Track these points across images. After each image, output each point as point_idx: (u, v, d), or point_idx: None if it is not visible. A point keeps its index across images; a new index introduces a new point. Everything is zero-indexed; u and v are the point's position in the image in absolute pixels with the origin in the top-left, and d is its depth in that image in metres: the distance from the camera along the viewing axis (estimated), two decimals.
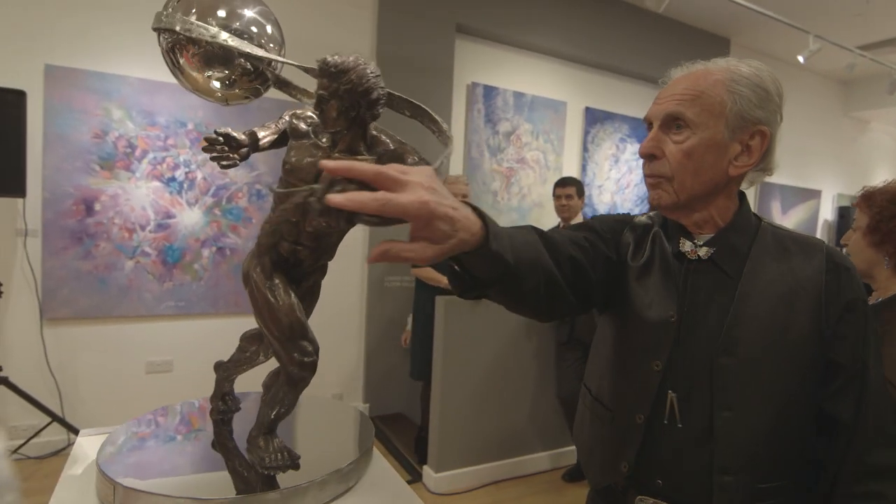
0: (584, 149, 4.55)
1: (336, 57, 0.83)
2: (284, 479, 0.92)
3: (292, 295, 0.94)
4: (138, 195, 2.92)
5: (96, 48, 2.80)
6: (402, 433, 3.37)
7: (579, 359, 2.86)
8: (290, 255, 0.95)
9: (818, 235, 6.23)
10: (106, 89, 2.80)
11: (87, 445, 1.09)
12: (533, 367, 2.97)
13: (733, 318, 0.82)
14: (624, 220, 0.97)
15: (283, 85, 1.05)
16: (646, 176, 0.87)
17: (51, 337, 2.78)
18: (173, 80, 1.03)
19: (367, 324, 3.59)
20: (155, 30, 0.98)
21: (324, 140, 0.91)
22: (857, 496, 0.80)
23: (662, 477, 0.84)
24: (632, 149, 4.79)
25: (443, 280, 2.83)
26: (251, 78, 1.02)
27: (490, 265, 0.63)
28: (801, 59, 4.20)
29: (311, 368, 0.93)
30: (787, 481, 0.82)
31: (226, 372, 1.16)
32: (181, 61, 0.98)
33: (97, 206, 2.82)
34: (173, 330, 3.07)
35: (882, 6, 4.34)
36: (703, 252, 0.86)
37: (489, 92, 4.01)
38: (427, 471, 2.79)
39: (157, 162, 2.95)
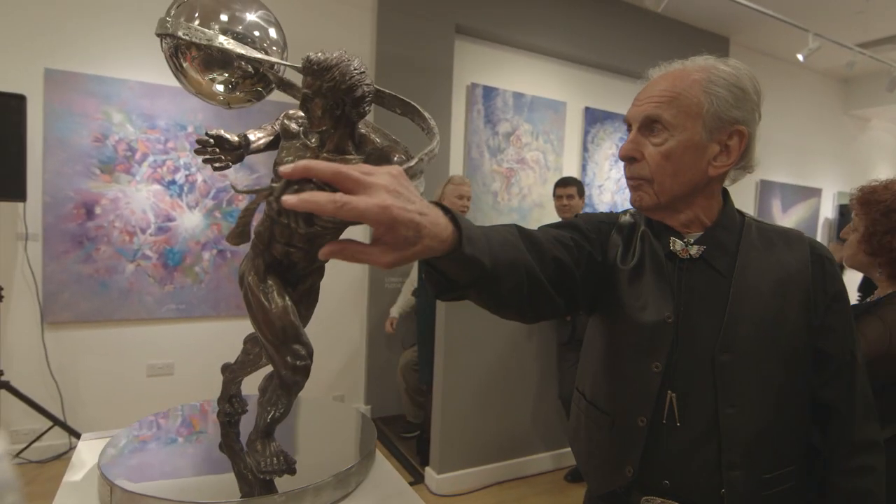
0: (584, 149, 4.55)
1: (319, 54, 0.81)
2: (285, 482, 0.91)
3: (286, 298, 0.93)
4: (139, 198, 2.92)
5: (96, 52, 2.80)
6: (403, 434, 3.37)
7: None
8: (284, 258, 0.93)
9: (819, 233, 6.25)
10: (106, 93, 2.80)
11: (89, 449, 1.09)
12: (534, 368, 2.97)
13: (730, 314, 0.82)
14: (610, 221, 0.95)
15: (287, 87, 1.05)
16: (627, 178, 0.88)
17: (52, 341, 2.78)
18: (173, 83, 1.04)
19: (368, 325, 3.59)
20: (158, 35, 0.98)
21: (312, 140, 0.89)
22: (850, 471, 0.85)
23: (669, 477, 0.84)
24: None
25: None
26: (253, 81, 1.02)
27: (465, 269, 0.61)
28: (800, 57, 4.20)
29: (304, 372, 0.91)
30: (790, 468, 0.84)
31: (232, 374, 1.16)
32: (184, 65, 0.98)
33: (97, 210, 2.82)
34: (174, 333, 3.07)
35: (882, 4, 4.34)
36: (693, 251, 0.87)
37: (489, 92, 4.01)
38: (429, 472, 2.79)
39: (158, 165, 2.95)
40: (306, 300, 1.02)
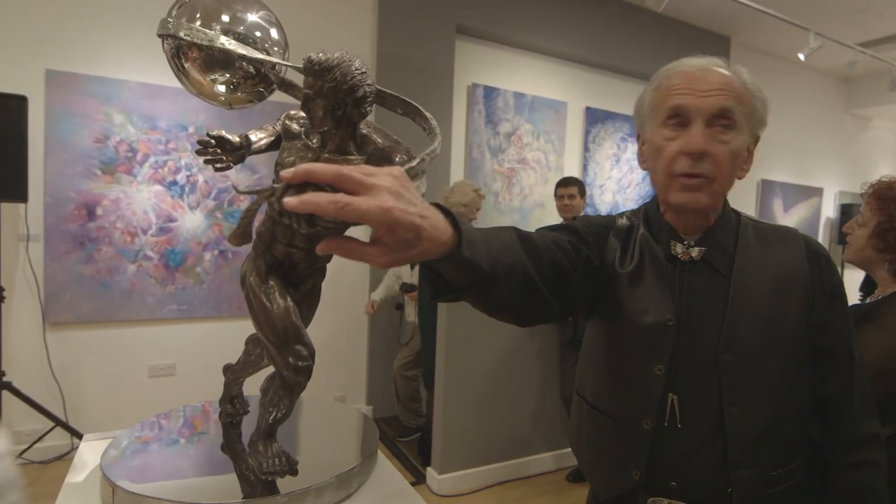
0: (585, 149, 4.54)
1: (320, 55, 0.80)
2: (287, 483, 0.91)
3: (288, 298, 0.93)
4: (140, 199, 2.92)
5: (97, 53, 2.81)
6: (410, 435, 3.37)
7: None
8: (286, 258, 0.93)
9: (820, 233, 6.24)
10: (107, 94, 2.80)
11: (91, 450, 1.09)
12: (536, 368, 2.97)
13: (731, 314, 0.83)
14: (607, 225, 0.94)
15: (289, 87, 1.05)
16: (686, 174, 0.80)
17: (53, 341, 2.79)
18: (174, 83, 1.04)
19: (370, 325, 3.59)
20: (160, 36, 0.98)
21: (314, 141, 0.89)
22: (851, 466, 0.85)
23: (675, 478, 0.84)
24: (633, 148, 4.78)
25: None
26: (254, 81, 1.02)
27: (463, 272, 0.60)
28: (801, 56, 4.19)
29: (306, 373, 0.91)
30: (794, 464, 0.85)
31: (234, 375, 1.16)
32: (186, 66, 0.98)
33: (99, 211, 2.82)
34: (176, 333, 3.07)
35: (883, 3, 4.33)
36: (694, 253, 0.86)
37: (489, 93, 4.00)
38: (431, 472, 2.79)
39: (159, 166, 2.95)
40: (308, 301, 1.02)
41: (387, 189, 0.48)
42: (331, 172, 0.46)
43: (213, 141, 0.89)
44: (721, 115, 0.79)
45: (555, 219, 3.44)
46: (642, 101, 0.90)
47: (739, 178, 0.85)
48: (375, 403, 3.63)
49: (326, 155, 0.86)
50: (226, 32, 0.96)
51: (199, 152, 0.90)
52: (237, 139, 0.91)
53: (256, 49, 0.99)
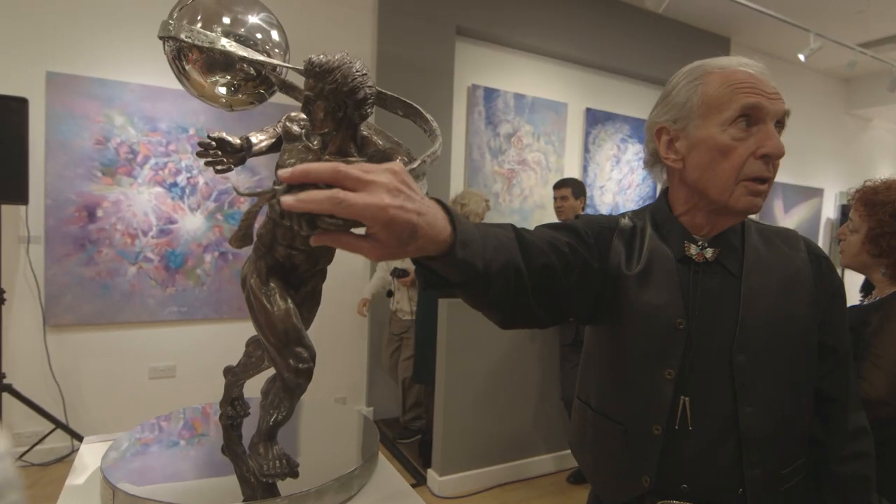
0: (586, 150, 4.54)
1: (321, 56, 0.80)
2: (288, 485, 0.91)
3: (288, 300, 0.92)
4: (140, 201, 2.92)
5: (97, 55, 2.81)
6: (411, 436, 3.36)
7: None
8: (286, 260, 0.93)
9: (820, 233, 6.23)
10: (107, 96, 2.81)
11: (92, 452, 1.09)
12: (537, 369, 2.96)
13: (745, 315, 0.83)
14: (611, 226, 0.91)
15: (290, 89, 1.05)
16: (758, 179, 0.79)
17: (54, 343, 2.79)
18: (175, 85, 1.04)
19: (370, 327, 3.59)
20: (161, 38, 0.98)
21: (314, 142, 0.89)
22: (846, 458, 0.88)
23: (687, 481, 0.83)
24: (633, 149, 4.79)
25: None
26: (255, 83, 1.02)
27: (456, 270, 0.60)
28: (801, 57, 4.19)
29: (307, 375, 0.91)
30: (800, 461, 0.86)
31: (234, 377, 1.16)
32: (187, 68, 0.99)
33: (99, 213, 2.83)
34: (176, 335, 3.07)
35: (883, 3, 4.33)
36: (709, 254, 0.86)
37: (490, 94, 4.01)
38: (431, 474, 2.78)
39: (159, 167, 2.96)
40: (308, 303, 1.02)
41: (384, 186, 0.47)
42: (328, 170, 0.46)
43: (213, 143, 0.88)
44: (781, 118, 0.81)
45: (554, 220, 3.44)
46: (682, 96, 0.83)
47: None
48: (376, 405, 3.63)
49: (327, 157, 0.86)
50: (227, 34, 0.96)
51: (199, 154, 0.90)
52: (238, 141, 0.91)
53: (257, 51, 0.99)
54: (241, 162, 0.93)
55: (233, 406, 1.17)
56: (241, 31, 0.98)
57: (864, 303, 1.36)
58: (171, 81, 1.04)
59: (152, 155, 2.93)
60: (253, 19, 1.01)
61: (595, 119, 4.55)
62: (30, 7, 2.67)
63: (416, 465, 3.01)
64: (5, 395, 2.55)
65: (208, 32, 0.94)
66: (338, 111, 0.83)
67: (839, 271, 1.00)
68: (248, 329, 1.14)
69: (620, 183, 4.77)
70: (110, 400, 2.92)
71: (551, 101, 4.30)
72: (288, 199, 0.45)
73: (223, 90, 1.01)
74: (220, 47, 0.94)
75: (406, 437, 3.32)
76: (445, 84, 3.73)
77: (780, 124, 0.81)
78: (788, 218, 5.89)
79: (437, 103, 3.62)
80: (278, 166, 0.91)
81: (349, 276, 3.49)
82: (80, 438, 2.65)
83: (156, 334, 3.02)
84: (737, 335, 0.82)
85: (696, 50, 4.85)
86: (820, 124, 6.16)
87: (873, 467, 0.89)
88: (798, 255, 0.88)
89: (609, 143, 4.65)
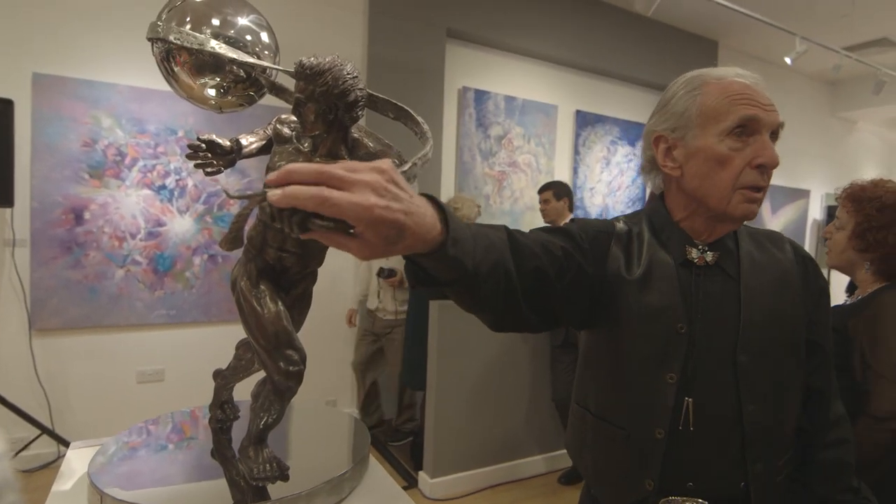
0: (576, 152, 4.57)
1: (312, 59, 0.80)
2: (278, 488, 0.91)
3: (279, 303, 0.92)
4: (128, 203, 2.89)
5: (84, 56, 2.78)
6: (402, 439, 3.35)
7: (574, 361, 2.86)
8: (276, 262, 0.93)
9: (807, 235, 6.30)
10: (95, 97, 2.78)
11: (78, 458, 1.08)
12: (527, 371, 2.97)
13: (745, 316, 0.85)
14: (607, 231, 0.91)
15: (280, 91, 1.05)
16: (754, 188, 0.82)
17: (40, 348, 2.75)
18: (163, 87, 1.03)
19: (360, 330, 3.58)
20: (149, 39, 0.97)
21: (305, 145, 0.89)
22: (828, 445, 0.92)
23: (692, 479, 0.85)
24: (622, 151, 4.82)
25: None
26: (245, 85, 1.01)
27: (446, 268, 0.59)
28: (788, 60, 4.24)
29: (297, 378, 0.91)
30: (792, 451, 0.90)
31: (224, 380, 1.15)
32: (175, 69, 0.98)
33: (86, 215, 2.80)
34: (164, 339, 3.04)
35: (867, 7, 4.40)
36: (709, 257, 0.88)
37: (480, 96, 4.02)
38: (423, 476, 2.78)
39: (148, 170, 2.93)
40: (299, 305, 1.01)
41: (369, 184, 0.47)
42: (312, 171, 0.46)
43: (203, 145, 0.88)
44: (776, 129, 0.83)
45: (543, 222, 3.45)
46: (681, 106, 0.85)
47: None
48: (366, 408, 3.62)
49: (317, 159, 0.86)
50: (216, 36, 0.95)
51: (189, 156, 0.90)
52: (227, 143, 0.90)
53: (247, 53, 0.98)
54: (231, 164, 0.92)
55: (222, 409, 1.16)
56: (231, 32, 0.97)
57: (847, 303, 1.38)
58: (159, 83, 1.03)
59: (140, 157, 2.91)
60: (242, 21, 1.00)
61: (585, 121, 4.58)
62: (16, 8, 2.64)
63: (408, 467, 3.00)
64: None
65: (198, 34, 0.94)
66: (328, 113, 0.83)
67: (825, 272, 1.02)
68: (237, 332, 1.14)
69: (610, 185, 4.79)
70: (97, 405, 2.89)
71: (541, 104, 4.32)
72: (275, 194, 0.45)
73: (212, 92, 1.00)
74: (209, 49, 0.93)
75: (398, 439, 3.32)
76: (436, 86, 3.73)
77: (774, 135, 0.84)
78: (776, 219, 5.96)
79: (428, 105, 3.63)
80: (268, 169, 0.90)
81: (338, 278, 3.48)
82: (66, 444, 2.62)
83: (144, 338, 2.99)
84: (739, 336, 0.84)
85: (684, 53, 4.89)
86: (806, 127, 6.23)
87: (853, 453, 0.94)
88: (786, 256, 0.92)
89: (599, 145, 4.68)
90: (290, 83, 1.07)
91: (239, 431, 1.12)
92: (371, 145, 0.90)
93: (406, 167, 0.72)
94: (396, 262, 3.10)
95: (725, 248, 0.89)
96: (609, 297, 0.87)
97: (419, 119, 0.89)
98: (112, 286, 2.87)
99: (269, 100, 1.09)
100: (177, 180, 3.00)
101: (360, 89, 0.83)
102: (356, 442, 1.15)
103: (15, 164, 2.50)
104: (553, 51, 4.25)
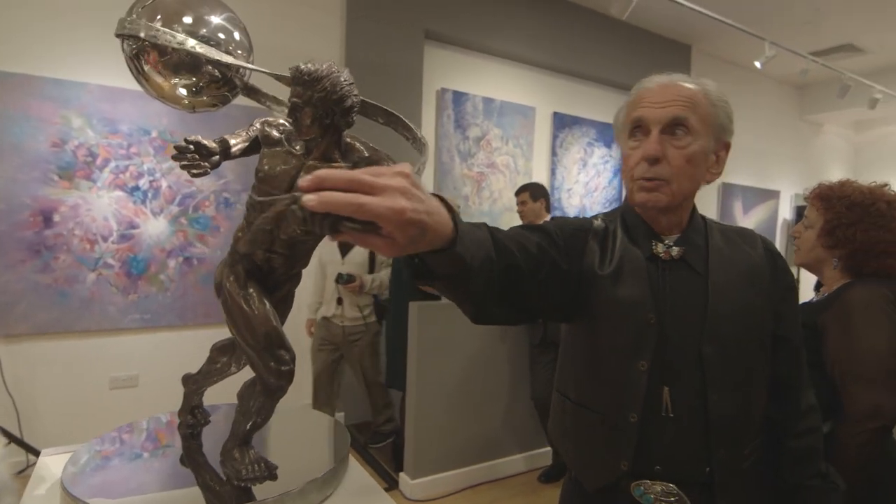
0: (553, 153, 4.61)
1: (310, 65, 0.83)
2: (258, 490, 0.90)
3: (267, 304, 0.93)
4: (100, 205, 2.83)
5: (54, 54, 2.71)
6: (387, 441, 3.34)
7: (552, 360, 2.88)
8: (264, 264, 0.94)
9: (777, 234, 6.47)
10: (65, 97, 2.71)
11: (51, 465, 1.05)
12: (507, 370, 2.99)
13: (711, 309, 0.89)
14: (585, 228, 0.97)
15: (252, 92, 1.04)
16: (644, 179, 0.89)
17: (7, 354, 2.67)
18: (136, 86, 1.01)
19: None
20: (118, 36, 0.95)
21: (297, 148, 0.90)
22: (800, 433, 0.98)
23: (660, 463, 0.90)
24: (599, 153, 4.88)
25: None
26: (219, 85, 1.00)
27: (449, 263, 0.63)
28: (758, 64, 4.36)
29: (289, 377, 0.92)
30: (758, 440, 0.94)
31: (195, 384, 1.13)
32: (146, 68, 0.96)
33: (56, 217, 2.72)
34: (138, 343, 2.98)
35: (832, 15, 4.54)
36: (675, 252, 0.92)
37: (459, 97, 4.03)
38: (403, 478, 2.77)
39: (120, 171, 2.87)
40: (282, 306, 1.02)
41: (398, 189, 0.49)
42: (344, 178, 0.48)
43: (191, 146, 0.88)
44: (675, 123, 0.87)
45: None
46: (617, 118, 0.97)
47: (708, 182, 0.92)
48: (346, 409, 3.59)
49: (311, 162, 0.88)
50: (189, 34, 0.94)
51: (175, 158, 0.90)
52: (214, 145, 0.91)
53: (221, 52, 0.97)
54: (216, 165, 0.93)
55: (193, 415, 1.15)
56: (204, 31, 0.96)
57: (815, 300, 1.42)
58: (131, 82, 1.01)
59: (112, 158, 2.84)
60: (216, 20, 0.98)
61: (562, 123, 4.62)
62: None
63: (388, 468, 2.99)
64: None
65: (175, 33, 0.92)
66: (325, 118, 0.85)
67: (794, 270, 1.05)
68: (213, 336, 1.12)
69: (587, 185, 4.85)
70: (69, 412, 2.81)
71: (519, 105, 4.35)
72: (311, 199, 0.46)
73: (184, 91, 0.99)
74: (189, 48, 0.92)
75: (377, 441, 3.30)
76: (415, 88, 3.73)
77: (682, 128, 0.87)
78: (747, 219, 6.10)
79: (407, 107, 3.62)
80: (259, 171, 0.91)
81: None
82: (35, 453, 2.54)
83: (117, 342, 2.92)
84: (704, 328, 0.88)
85: (659, 57, 4.98)
86: (776, 129, 6.41)
87: (821, 440, 1.00)
88: (756, 251, 0.96)
89: (576, 146, 4.74)
90: (263, 84, 1.07)
91: (209, 437, 1.11)
92: (363, 150, 0.92)
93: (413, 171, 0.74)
94: (355, 268, 3.05)
95: (693, 244, 0.93)
96: (585, 291, 0.92)
97: (411, 126, 0.93)
98: (83, 290, 2.80)
99: (243, 100, 1.08)
100: (150, 181, 2.94)
101: (356, 96, 0.87)
102: (336, 443, 1.15)
103: None
104: (531, 53, 4.29)
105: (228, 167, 3.05)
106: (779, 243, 6.50)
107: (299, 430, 1.26)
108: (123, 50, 0.97)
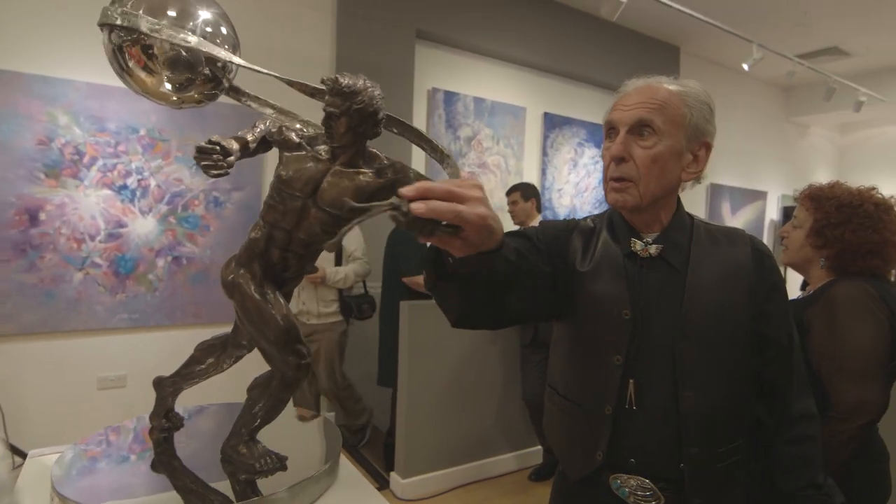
0: (544, 153, 4.63)
1: (347, 79, 0.89)
2: (245, 491, 0.89)
3: (283, 301, 0.97)
4: (87, 204, 2.79)
5: (40, 51, 2.68)
6: (369, 441, 3.34)
7: (543, 360, 2.90)
8: (280, 262, 0.97)
9: (765, 234, 6.54)
10: (51, 94, 2.68)
11: (39, 466, 1.04)
12: (498, 370, 3.00)
13: (687, 306, 0.90)
14: (569, 228, 1.01)
15: (235, 92, 1.03)
16: (611, 179, 0.92)
17: None
18: (124, 84, 1.00)
19: None
20: (101, 25, 0.91)
21: (322, 153, 0.94)
22: (792, 440, 0.96)
23: (634, 456, 0.92)
24: (589, 153, 4.91)
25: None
26: (210, 81, 0.99)
27: (485, 264, 0.68)
28: (745, 66, 4.41)
29: (306, 370, 0.97)
30: (738, 441, 0.94)
31: (173, 386, 1.12)
32: (130, 63, 0.94)
33: (42, 216, 2.69)
34: (126, 343, 2.95)
35: (818, 18, 4.60)
36: (653, 250, 0.94)
37: (449, 97, 4.03)
38: (394, 477, 2.77)
39: (108, 169, 2.84)
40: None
41: (480, 200, 0.59)
42: (442, 189, 0.57)
43: (217, 147, 0.90)
44: (641, 124, 0.89)
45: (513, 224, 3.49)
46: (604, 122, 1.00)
47: (685, 180, 0.94)
48: (338, 410, 3.58)
49: (337, 167, 0.92)
50: (177, 28, 0.91)
51: (198, 158, 0.91)
52: (235, 145, 0.94)
53: (222, 50, 0.96)
54: (232, 165, 0.94)
55: (167, 418, 1.14)
56: (190, 24, 0.92)
57: (801, 297, 1.44)
58: (119, 79, 1.00)
59: (100, 156, 2.81)
60: (203, 13, 0.95)
61: (553, 123, 4.64)
62: None
63: (379, 468, 2.99)
64: None
65: (180, 29, 0.90)
66: (358, 128, 0.91)
67: (782, 270, 1.06)
68: (202, 336, 1.12)
69: (577, 186, 4.88)
70: (56, 413, 2.78)
71: (510, 105, 4.36)
72: (420, 206, 0.55)
73: (168, 87, 0.96)
74: (194, 46, 0.90)
75: (358, 440, 3.28)
76: (406, 87, 3.73)
77: (647, 129, 0.89)
78: (735, 219, 6.16)
79: (398, 107, 3.62)
80: (281, 174, 0.93)
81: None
82: (22, 455, 2.51)
83: (105, 342, 2.89)
84: (679, 324, 0.90)
85: (647, 58, 5.02)
86: (763, 131, 6.48)
87: (819, 449, 0.97)
88: (741, 252, 0.96)
89: (566, 146, 4.76)
90: (245, 84, 1.06)
91: (182, 440, 1.10)
92: (383, 158, 0.96)
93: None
94: (320, 259, 3.00)
95: (673, 242, 0.95)
96: (567, 288, 0.96)
97: (431, 139, 0.98)
98: (70, 290, 2.77)
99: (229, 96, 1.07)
100: (139, 180, 2.92)
101: (384, 109, 0.93)
102: (328, 443, 1.15)
103: None
104: (521, 53, 4.30)
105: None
106: (766, 243, 6.57)
107: (292, 430, 1.26)
108: (105, 42, 0.93)
